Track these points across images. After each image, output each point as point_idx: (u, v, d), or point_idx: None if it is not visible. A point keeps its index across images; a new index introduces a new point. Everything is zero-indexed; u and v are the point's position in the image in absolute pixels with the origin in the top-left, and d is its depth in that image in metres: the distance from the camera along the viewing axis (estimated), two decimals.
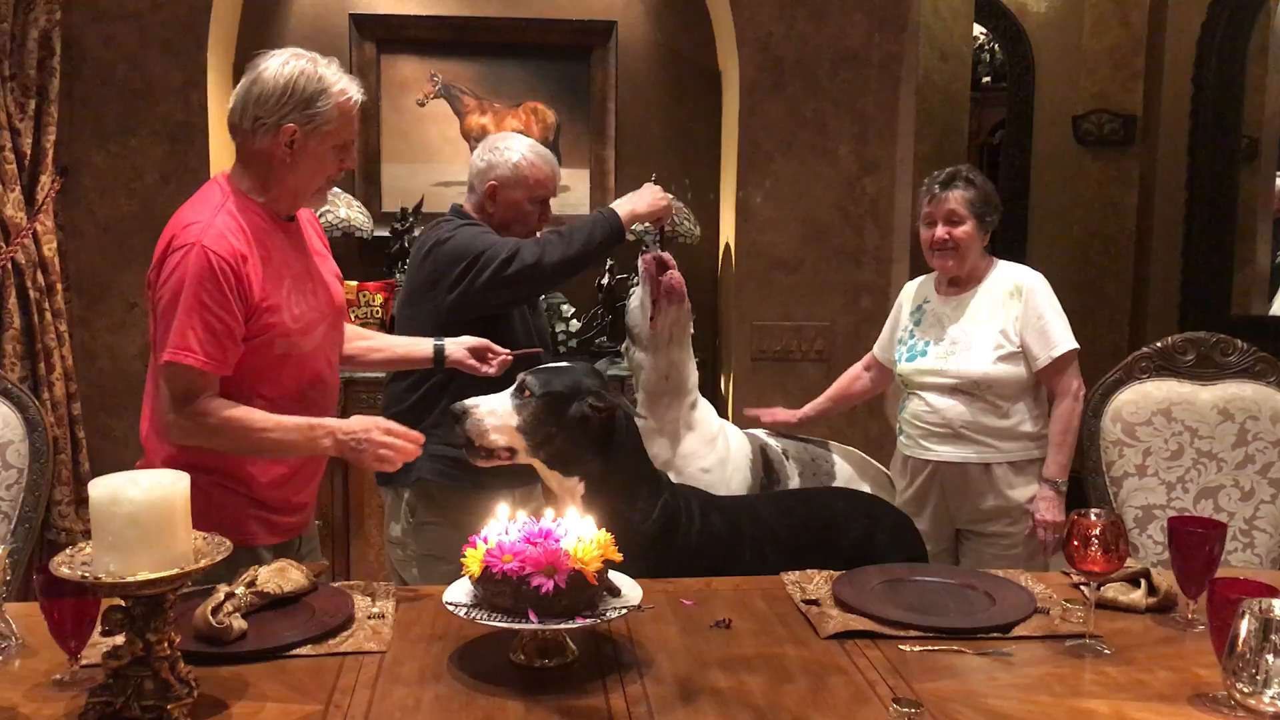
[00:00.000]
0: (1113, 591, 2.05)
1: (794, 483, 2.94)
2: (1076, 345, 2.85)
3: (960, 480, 2.91)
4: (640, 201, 2.75)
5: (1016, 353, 2.85)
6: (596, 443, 2.21)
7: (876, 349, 3.22)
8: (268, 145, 2.14)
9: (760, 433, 3.10)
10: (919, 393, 2.96)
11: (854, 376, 3.27)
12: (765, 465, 2.93)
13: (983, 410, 2.86)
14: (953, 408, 2.88)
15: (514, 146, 2.78)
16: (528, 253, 2.61)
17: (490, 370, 2.53)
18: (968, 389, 2.87)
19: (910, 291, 3.15)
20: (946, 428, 2.89)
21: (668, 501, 2.27)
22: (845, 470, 3.03)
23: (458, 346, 2.54)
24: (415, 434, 2.10)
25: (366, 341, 2.56)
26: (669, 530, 2.25)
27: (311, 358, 2.25)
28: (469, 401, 2.21)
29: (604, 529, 1.94)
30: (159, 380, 2.12)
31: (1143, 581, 2.06)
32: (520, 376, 2.23)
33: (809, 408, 3.21)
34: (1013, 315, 2.86)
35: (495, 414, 2.18)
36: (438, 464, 2.67)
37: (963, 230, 2.88)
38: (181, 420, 2.08)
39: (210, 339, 2.05)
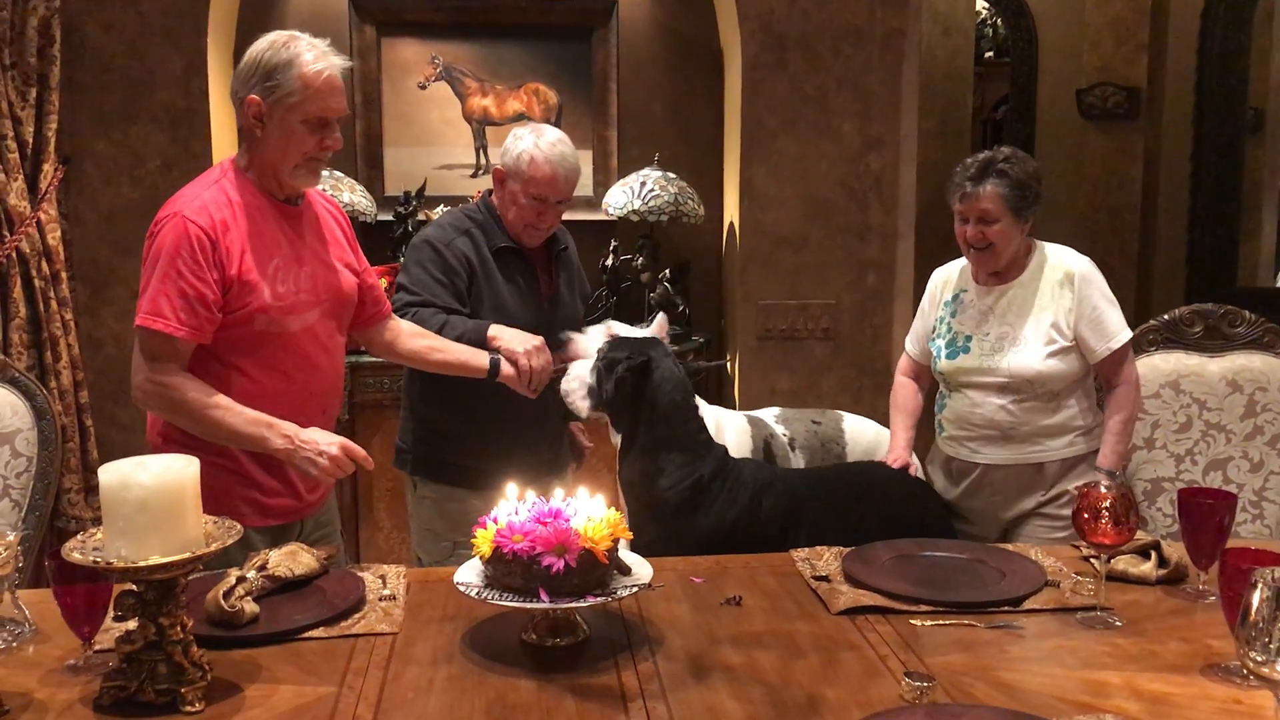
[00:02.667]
0: (1123, 564, 2.05)
1: None
2: (1132, 334, 2.65)
3: (1011, 482, 2.65)
4: (513, 341, 2.56)
5: (1069, 347, 2.59)
6: (631, 404, 2.41)
7: (911, 346, 2.89)
8: (243, 118, 2.18)
9: (770, 418, 3.05)
10: (963, 391, 2.69)
11: (913, 394, 2.87)
12: (768, 459, 2.92)
13: (1033, 408, 2.61)
14: (1001, 409, 2.62)
15: (527, 139, 2.71)
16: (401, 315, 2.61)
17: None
18: (1018, 387, 2.61)
19: (941, 279, 2.85)
20: (994, 429, 2.64)
21: (703, 478, 2.34)
22: (859, 450, 3.02)
23: (510, 365, 2.56)
24: (369, 461, 2.17)
25: (427, 341, 2.57)
26: (694, 503, 2.33)
27: (298, 339, 2.25)
28: (574, 367, 2.56)
29: (635, 489, 2.30)
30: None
31: (1153, 553, 2.06)
32: (608, 339, 2.53)
33: (907, 446, 2.80)
34: (1065, 307, 2.60)
35: (580, 376, 2.52)
36: (427, 467, 2.82)
37: (997, 229, 2.59)
38: (147, 386, 2.13)
39: (184, 306, 2.08)
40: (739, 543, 2.31)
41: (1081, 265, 2.64)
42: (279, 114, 2.15)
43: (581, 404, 2.50)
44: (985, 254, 2.63)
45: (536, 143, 2.69)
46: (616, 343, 2.51)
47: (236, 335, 2.17)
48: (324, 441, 2.13)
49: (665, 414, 2.41)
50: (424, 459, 2.80)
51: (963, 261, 2.77)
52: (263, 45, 2.17)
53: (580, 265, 3.02)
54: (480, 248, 2.72)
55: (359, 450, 2.17)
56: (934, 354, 2.75)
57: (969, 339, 2.68)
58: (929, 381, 2.86)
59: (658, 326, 2.81)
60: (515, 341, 2.55)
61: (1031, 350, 2.60)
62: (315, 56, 2.16)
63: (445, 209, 3.83)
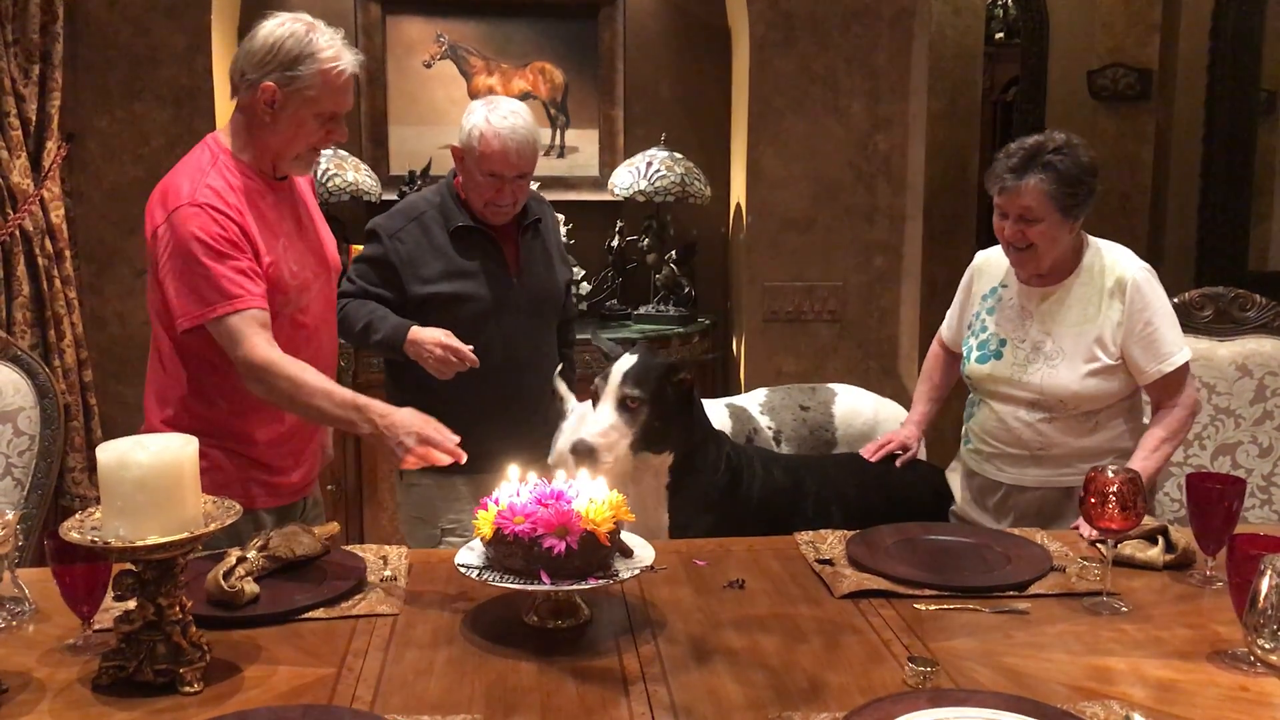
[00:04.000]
0: (1130, 549, 2.03)
1: None
2: (1190, 354, 2.38)
3: (1035, 506, 2.43)
4: (426, 345, 2.48)
5: (1114, 366, 2.35)
6: (684, 413, 2.32)
7: (945, 332, 2.67)
8: (250, 101, 2.14)
9: (755, 407, 2.91)
10: (989, 402, 2.46)
11: (942, 365, 2.68)
12: None
13: (1066, 429, 2.38)
14: (1028, 426, 2.39)
15: (478, 113, 2.60)
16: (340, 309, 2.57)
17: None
18: (1050, 405, 2.37)
19: (984, 265, 2.56)
20: (1021, 447, 2.41)
21: (730, 454, 2.37)
22: (851, 437, 2.87)
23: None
24: (456, 451, 2.01)
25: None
26: (734, 482, 2.36)
27: (304, 313, 2.24)
28: (589, 439, 2.21)
29: (683, 488, 2.27)
30: (200, 345, 2.11)
31: (1160, 538, 2.04)
32: (616, 390, 2.25)
33: (918, 423, 2.64)
34: (1113, 320, 2.34)
35: (612, 441, 2.22)
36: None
37: (1040, 229, 2.29)
38: (253, 376, 2.07)
39: (246, 279, 2.07)
40: (768, 512, 2.34)
41: (1136, 273, 2.37)
42: (294, 105, 2.12)
43: (622, 445, 2.24)
44: (1025, 255, 2.35)
45: (487, 117, 2.57)
46: (635, 378, 2.27)
47: None
48: (403, 431, 1.99)
49: (699, 413, 2.39)
50: None
51: None
52: (282, 32, 2.11)
53: (561, 240, 2.89)
54: (431, 232, 2.64)
55: (442, 443, 2.00)
56: (965, 352, 2.52)
57: (1003, 344, 2.43)
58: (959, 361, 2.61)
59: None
60: (435, 355, 2.47)
61: (1069, 367, 2.35)
62: (335, 53, 2.13)
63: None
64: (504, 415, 2.62)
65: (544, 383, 2.73)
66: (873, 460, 2.55)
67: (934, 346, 2.73)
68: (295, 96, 2.11)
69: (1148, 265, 2.41)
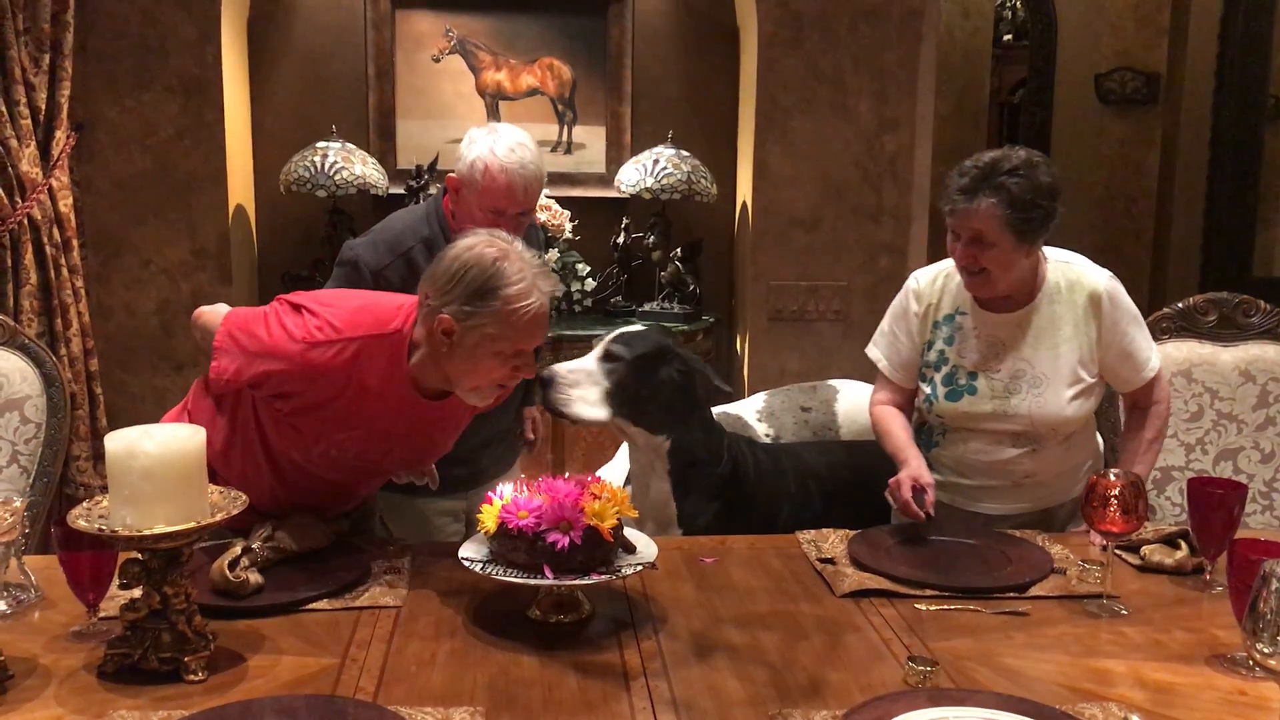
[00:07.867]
0: (1159, 555, 2.04)
1: None
2: (1158, 353, 2.34)
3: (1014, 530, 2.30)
4: None
5: (1094, 384, 2.26)
6: (683, 402, 2.32)
7: (890, 370, 2.42)
8: (429, 328, 1.91)
9: (751, 414, 2.85)
10: (964, 436, 2.31)
11: (904, 424, 2.37)
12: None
13: (1051, 454, 2.29)
14: (1016, 459, 2.27)
15: (481, 143, 2.38)
16: None
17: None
18: (1039, 435, 2.25)
19: (925, 289, 2.37)
20: (1005, 478, 2.30)
21: (730, 444, 2.40)
22: (853, 434, 2.82)
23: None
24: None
25: None
26: (737, 470, 2.39)
27: (314, 475, 2.10)
28: (556, 368, 2.21)
29: (690, 479, 2.29)
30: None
31: (1182, 542, 2.05)
32: (605, 344, 2.26)
33: (919, 464, 2.21)
34: (1091, 338, 2.24)
35: (581, 383, 2.22)
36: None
37: (994, 254, 2.14)
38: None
39: (233, 361, 1.97)
40: (762, 493, 2.39)
41: (1106, 283, 2.26)
42: (471, 341, 1.88)
43: (591, 412, 2.21)
44: (979, 279, 2.20)
45: (492, 148, 2.36)
46: (628, 339, 2.29)
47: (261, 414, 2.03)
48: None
49: (702, 410, 2.40)
50: None
51: (952, 266, 2.29)
52: (469, 257, 1.87)
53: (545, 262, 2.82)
54: (418, 269, 2.32)
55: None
56: (927, 391, 2.34)
57: (974, 376, 2.28)
58: (912, 407, 2.42)
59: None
60: None
61: (1055, 393, 2.23)
62: (524, 287, 1.86)
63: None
64: (469, 450, 2.47)
65: (511, 417, 2.67)
66: (904, 505, 2.13)
67: (884, 409, 2.39)
68: (473, 332, 1.87)
69: (1108, 270, 2.32)
